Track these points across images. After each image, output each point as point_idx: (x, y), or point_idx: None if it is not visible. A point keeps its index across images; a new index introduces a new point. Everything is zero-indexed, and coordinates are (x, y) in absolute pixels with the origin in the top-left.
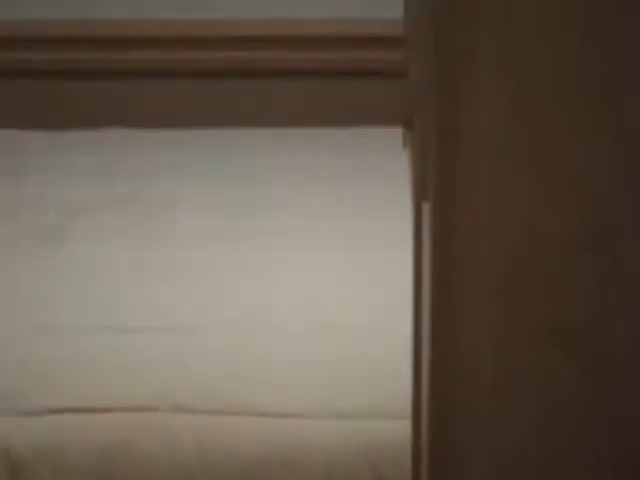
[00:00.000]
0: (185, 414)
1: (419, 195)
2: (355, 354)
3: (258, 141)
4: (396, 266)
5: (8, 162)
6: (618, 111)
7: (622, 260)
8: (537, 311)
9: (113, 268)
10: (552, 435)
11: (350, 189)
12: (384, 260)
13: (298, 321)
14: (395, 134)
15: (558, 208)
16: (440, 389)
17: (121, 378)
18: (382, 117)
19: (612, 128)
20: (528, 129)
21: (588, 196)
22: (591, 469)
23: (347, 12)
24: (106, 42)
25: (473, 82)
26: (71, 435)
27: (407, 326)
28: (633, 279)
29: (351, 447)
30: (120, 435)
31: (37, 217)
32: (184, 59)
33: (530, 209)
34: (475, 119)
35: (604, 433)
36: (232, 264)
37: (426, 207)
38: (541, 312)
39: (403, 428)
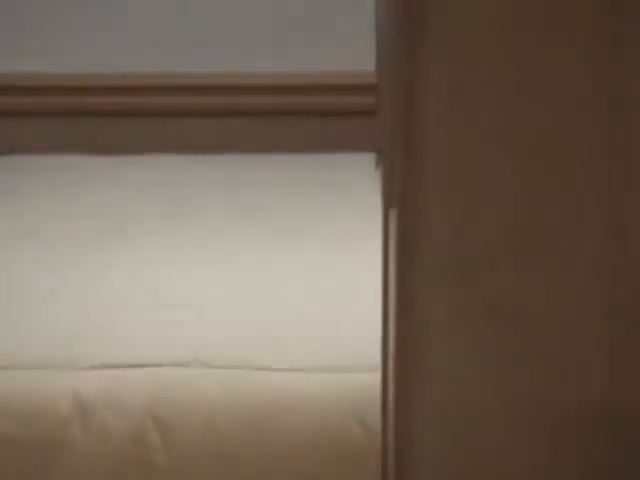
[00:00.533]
0: (211, 369)
1: (387, 203)
2: (347, 320)
3: (260, 165)
4: (364, 257)
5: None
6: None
7: (571, 253)
8: (488, 295)
9: (153, 260)
10: (508, 393)
11: (330, 197)
12: (357, 254)
13: (296, 295)
14: (370, 158)
15: (504, 213)
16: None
17: (162, 341)
18: (361, 145)
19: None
20: (478, 146)
21: (531, 201)
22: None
23: (338, 66)
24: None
25: (428, 112)
26: (123, 384)
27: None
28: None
29: (342, 395)
30: (161, 385)
31: (97, 221)
32: (207, 103)
33: (479, 212)
34: (431, 139)
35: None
36: (242, 256)
37: (392, 212)
38: (493, 296)
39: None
